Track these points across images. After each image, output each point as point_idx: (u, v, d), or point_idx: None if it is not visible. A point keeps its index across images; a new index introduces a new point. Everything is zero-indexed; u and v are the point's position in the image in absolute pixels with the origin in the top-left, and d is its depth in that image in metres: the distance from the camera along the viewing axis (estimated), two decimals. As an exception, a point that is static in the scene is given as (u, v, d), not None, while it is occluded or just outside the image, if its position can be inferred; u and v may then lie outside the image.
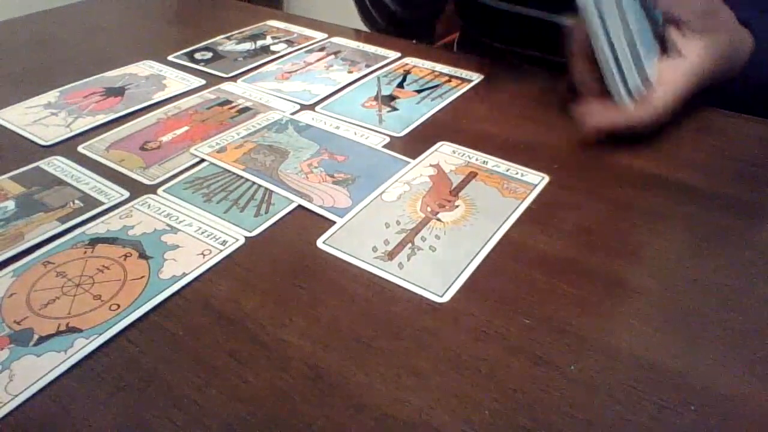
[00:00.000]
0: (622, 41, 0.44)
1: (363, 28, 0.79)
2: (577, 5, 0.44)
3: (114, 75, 0.62)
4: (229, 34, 0.72)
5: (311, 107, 0.55)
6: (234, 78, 0.61)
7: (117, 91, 0.58)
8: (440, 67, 0.63)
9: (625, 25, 0.44)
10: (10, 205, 0.42)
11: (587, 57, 0.47)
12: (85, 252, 0.38)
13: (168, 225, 0.40)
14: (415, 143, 0.49)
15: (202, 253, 0.38)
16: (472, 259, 0.37)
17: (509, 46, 0.73)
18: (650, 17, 0.47)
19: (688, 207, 0.42)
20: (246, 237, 0.39)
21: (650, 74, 0.46)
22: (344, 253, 0.38)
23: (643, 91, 0.46)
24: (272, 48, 0.68)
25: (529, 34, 0.68)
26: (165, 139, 0.50)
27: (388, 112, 0.54)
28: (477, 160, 0.47)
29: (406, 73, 0.62)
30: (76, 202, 0.43)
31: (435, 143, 0.49)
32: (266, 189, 0.44)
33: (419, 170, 0.46)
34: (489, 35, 0.75)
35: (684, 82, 0.46)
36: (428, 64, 0.63)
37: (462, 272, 0.36)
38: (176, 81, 0.60)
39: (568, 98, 0.50)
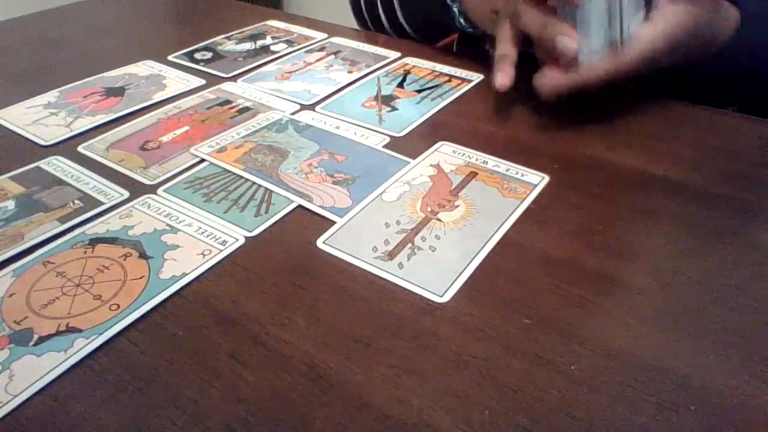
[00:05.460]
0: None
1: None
2: None
3: (114, 75, 0.62)
4: (229, 34, 0.72)
5: (311, 107, 0.55)
6: (234, 78, 0.61)
7: (117, 91, 0.58)
8: (440, 67, 0.63)
9: None
10: (10, 205, 0.42)
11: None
12: (85, 252, 0.38)
13: (168, 225, 0.40)
14: (415, 143, 0.50)
15: (202, 253, 0.38)
16: (472, 259, 0.37)
17: None
18: None
19: (687, 207, 0.42)
20: (246, 237, 0.39)
21: (629, 33, 0.46)
22: (344, 253, 0.38)
23: (615, 47, 0.46)
24: (272, 48, 0.68)
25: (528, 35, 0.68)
26: (165, 139, 0.50)
27: (388, 112, 0.54)
28: (477, 160, 0.47)
29: (406, 73, 0.62)
30: (76, 202, 0.43)
31: (435, 143, 0.49)
32: (266, 189, 0.44)
33: (419, 170, 0.46)
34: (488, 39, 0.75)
35: (650, 45, 0.46)
36: (428, 64, 0.63)
37: (462, 272, 0.36)
38: (176, 81, 0.60)
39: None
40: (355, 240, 0.39)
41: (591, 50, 0.46)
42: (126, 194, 0.43)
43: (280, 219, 0.41)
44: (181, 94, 0.58)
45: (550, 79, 0.47)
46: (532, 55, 0.55)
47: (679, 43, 0.46)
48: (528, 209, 0.42)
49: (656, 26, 0.46)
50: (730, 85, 0.54)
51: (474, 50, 0.78)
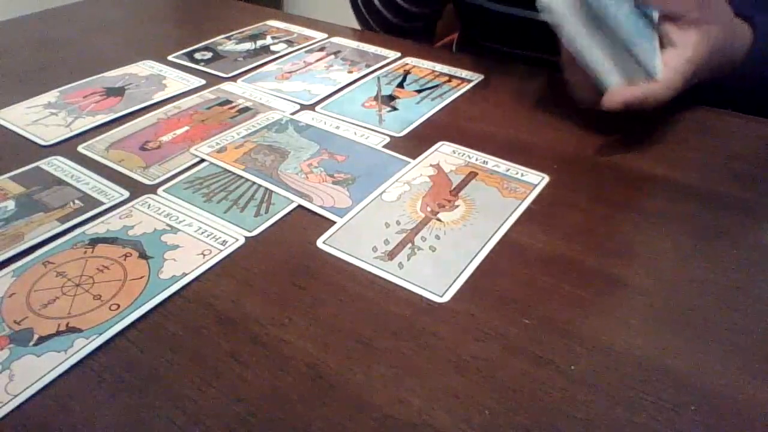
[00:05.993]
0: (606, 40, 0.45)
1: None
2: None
3: (114, 75, 0.62)
4: (229, 34, 0.72)
5: (311, 107, 0.55)
6: (234, 78, 0.61)
7: (117, 91, 0.58)
8: (440, 67, 0.63)
9: (610, 24, 0.44)
10: (10, 205, 0.42)
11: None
12: (85, 252, 0.38)
13: (168, 225, 0.40)
14: (415, 143, 0.50)
15: (202, 253, 0.38)
16: (472, 259, 0.37)
17: (508, 47, 0.73)
18: (645, 16, 0.47)
19: (687, 207, 0.42)
20: (246, 237, 0.39)
21: (655, 66, 0.46)
22: (344, 253, 0.38)
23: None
24: (272, 48, 0.68)
25: (527, 35, 0.68)
26: (165, 139, 0.50)
27: (388, 112, 0.54)
28: (477, 160, 0.47)
29: (406, 73, 0.62)
30: (76, 202, 0.43)
31: (435, 143, 0.49)
32: (266, 189, 0.44)
33: (419, 170, 0.46)
34: (487, 37, 0.75)
35: (678, 72, 0.46)
36: (428, 64, 0.63)
37: (462, 272, 0.36)
38: (176, 81, 0.60)
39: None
40: (355, 240, 0.39)
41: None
42: (126, 194, 0.43)
43: (280, 219, 0.41)
44: (181, 94, 0.58)
45: (617, 93, 0.46)
46: (532, 58, 0.55)
47: (701, 67, 0.46)
48: (528, 209, 0.42)
49: (680, 53, 0.46)
50: (730, 88, 0.54)
51: (474, 50, 0.78)
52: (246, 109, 0.55)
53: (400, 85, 0.59)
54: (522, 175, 0.45)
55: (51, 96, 0.57)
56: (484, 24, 0.75)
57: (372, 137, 0.50)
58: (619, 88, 0.46)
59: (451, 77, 0.61)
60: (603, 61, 0.46)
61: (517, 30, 0.69)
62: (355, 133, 0.51)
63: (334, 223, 0.40)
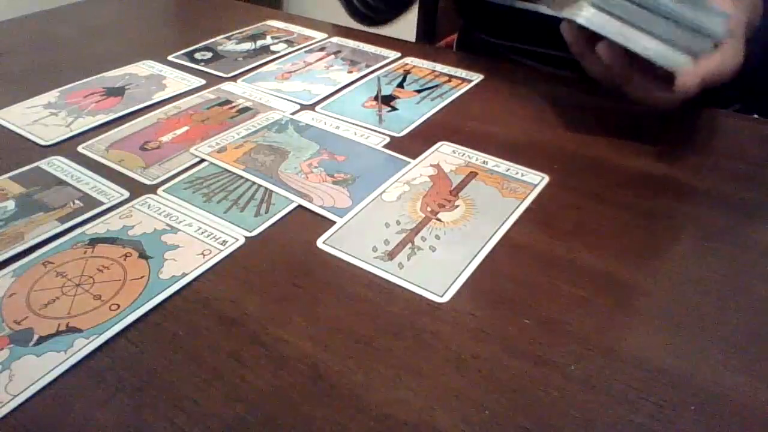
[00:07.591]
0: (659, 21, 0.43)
1: (363, 28, 0.79)
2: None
3: (114, 75, 0.62)
4: (229, 34, 0.72)
5: (311, 107, 0.55)
6: (234, 78, 0.61)
7: (117, 91, 0.58)
8: (440, 67, 0.63)
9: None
10: (10, 205, 0.42)
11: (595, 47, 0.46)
12: (85, 252, 0.38)
13: (168, 225, 0.40)
14: (415, 143, 0.50)
15: (202, 253, 0.38)
16: (472, 259, 0.37)
17: (509, 42, 0.73)
18: None
19: (688, 207, 0.42)
20: (246, 237, 0.39)
21: (720, 29, 0.44)
22: (344, 253, 0.38)
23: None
24: (272, 48, 0.68)
25: (529, 29, 0.68)
26: (165, 139, 0.50)
27: (388, 112, 0.54)
28: (477, 160, 0.47)
29: (406, 73, 0.62)
30: (76, 202, 0.43)
31: (435, 143, 0.49)
32: (266, 189, 0.44)
33: (419, 170, 0.46)
34: (489, 32, 0.75)
35: (736, 37, 0.44)
36: (428, 64, 0.63)
37: (462, 272, 0.36)
38: (176, 81, 0.60)
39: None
40: (355, 240, 0.39)
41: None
42: (126, 194, 0.43)
43: (280, 219, 0.41)
44: (181, 94, 0.58)
45: (690, 72, 0.44)
46: (533, 52, 0.54)
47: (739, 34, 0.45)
48: (528, 209, 0.42)
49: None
50: (736, 82, 0.54)
51: (475, 49, 0.78)
52: (246, 109, 0.55)
53: (400, 85, 0.59)
54: (522, 175, 0.45)
55: (51, 96, 0.57)
56: (484, 18, 0.75)
57: (372, 137, 0.50)
58: (689, 69, 0.44)
59: (451, 77, 0.61)
60: (659, 47, 0.44)
61: (521, 24, 0.69)
62: (355, 133, 0.51)
63: (334, 223, 0.40)
